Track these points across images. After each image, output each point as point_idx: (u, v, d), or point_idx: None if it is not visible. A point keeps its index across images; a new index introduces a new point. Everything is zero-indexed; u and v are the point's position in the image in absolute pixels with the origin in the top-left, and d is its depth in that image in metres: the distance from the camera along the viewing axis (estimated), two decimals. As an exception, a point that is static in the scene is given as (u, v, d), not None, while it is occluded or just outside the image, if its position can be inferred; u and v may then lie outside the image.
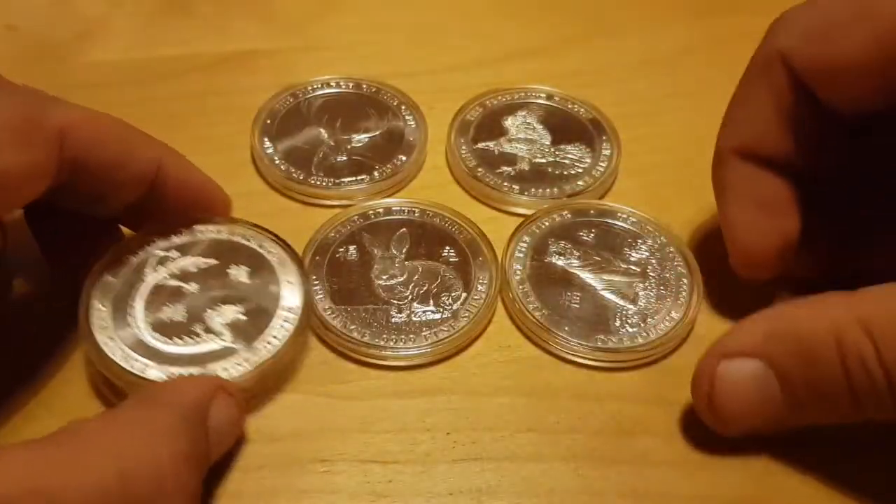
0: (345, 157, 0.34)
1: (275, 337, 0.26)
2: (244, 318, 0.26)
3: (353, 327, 0.27)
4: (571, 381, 0.27)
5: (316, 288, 0.28)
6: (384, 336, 0.27)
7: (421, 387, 0.27)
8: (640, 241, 0.31)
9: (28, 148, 0.22)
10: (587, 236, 0.31)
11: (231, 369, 0.25)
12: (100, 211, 0.26)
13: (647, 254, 0.30)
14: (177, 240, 0.28)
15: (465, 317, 0.28)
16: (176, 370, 0.25)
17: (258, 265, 0.28)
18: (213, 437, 0.23)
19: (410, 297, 0.29)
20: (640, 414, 0.26)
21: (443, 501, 0.24)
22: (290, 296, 0.27)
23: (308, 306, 0.27)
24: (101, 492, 0.18)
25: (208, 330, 0.26)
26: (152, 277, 0.27)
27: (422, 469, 0.25)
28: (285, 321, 0.26)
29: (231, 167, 0.33)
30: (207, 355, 0.25)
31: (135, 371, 0.25)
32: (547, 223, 0.31)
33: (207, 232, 0.28)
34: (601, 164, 0.34)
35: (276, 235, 0.28)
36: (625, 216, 0.31)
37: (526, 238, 0.30)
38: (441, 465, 0.25)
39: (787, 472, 0.25)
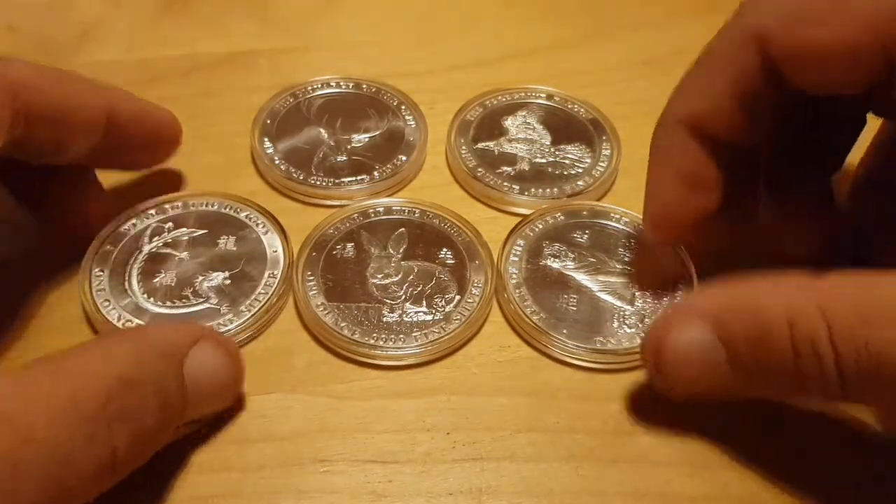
0: (345, 157, 0.34)
1: (257, 300, 0.28)
2: (229, 282, 0.28)
3: (343, 324, 0.27)
4: (571, 381, 0.27)
5: (310, 284, 0.29)
6: (374, 335, 0.27)
7: (421, 387, 0.27)
8: (633, 241, 0.31)
9: None
10: (581, 238, 0.31)
11: (217, 328, 0.27)
12: (64, 158, 0.27)
13: (642, 253, 0.30)
14: (171, 212, 0.30)
15: (458, 319, 0.28)
16: None
17: (245, 235, 0.30)
18: (192, 381, 0.23)
19: (404, 297, 0.29)
20: (640, 414, 0.26)
21: (443, 501, 0.24)
22: (274, 263, 0.29)
23: (289, 270, 0.29)
24: (55, 412, 0.19)
25: (196, 293, 0.28)
26: (147, 247, 0.29)
27: (422, 469, 0.25)
28: (267, 285, 0.28)
29: (231, 167, 0.33)
30: (194, 314, 0.28)
31: None
32: (540, 226, 0.31)
33: (199, 205, 0.31)
34: (601, 164, 0.34)
35: (262, 208, 0.31)
36: (618, 217, 0.31)
37: (520, 241, 0.30)
38: (441, 465, 0.25)
39: (788, 472, 0.25)
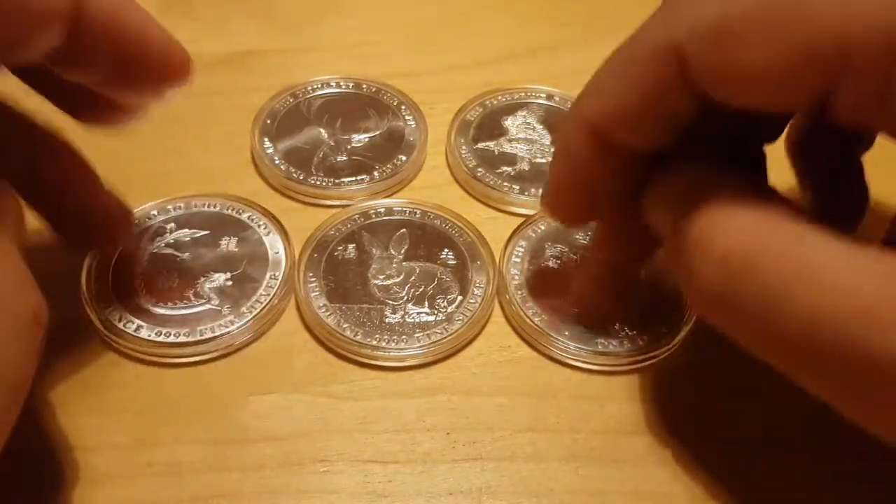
0: (345, 157, 0.34)
1: (259, 301, 0.28)
2: (231, 284, 0.28)
3: (345, 326, 0.27)
4: (571, 382, 0.27)
5: (312, 285, 0.29)
6: (376, 336, 0.27)
7: (421, 387, 0.27)
8: None
9: None
10: (583, 239, 0.31)
11: (218, 329, 0.27)
12: (18, 58, 0.22)
13: None
14: (173, 212, 0.30)
15: (460, 320, 0.28)
16: (165, 330, 0.27)
17: (247, 236, 0.30)
18: None
19: (406, 298, 0.29)
20: (640, 414, 0.26)
21: (443, 501, 0.24)
22: (276, 264, 0.29)
23: (291, 271, 0.29)
24: None
25: (198, 295, 0.28)
26: (149, 247, 0.29)
27: (422, 469, 0.25)
28: (269, 287, 0.28)
29: (231, 167, 0.33)
30: (195, 315, 0.27)
31: (128, 331, 0.27)
32: (542, 226, 0.31)
33: (201, 205, 0.31)
34: (601, 164, 0.34)
35: (265, 209, 0.31)
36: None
37: (522, 242, 0.30)
38: (441, 465, 0.25)
39: (787, 472, 0.25)
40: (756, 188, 0.22)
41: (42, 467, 0.24)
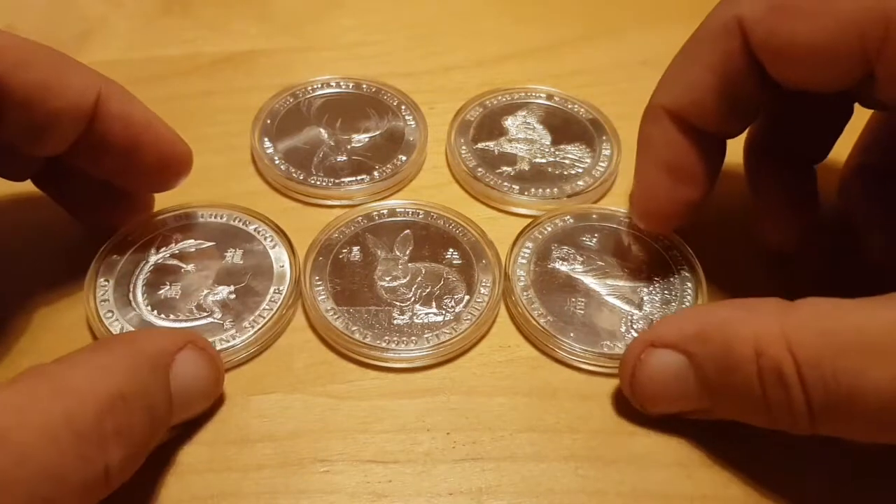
0: (345, 157, 0.34)
1: (261, 316, 0.27)
2: (234, 297, 0.28)
3: (354, 328, 0.27)
4: (571, 382, 0.27)
5: (319, 289, 0.28)
6: (385, 338, 0.27)
7: (421, 387, 0.27)
8: (640, 243, 0.30)
9: None
10: (590, 241, 0.31)
11: (218, 343, 0.26)
12: (40, 148, 0.25)
13: (650, 257, 0.30)
14: (179, 223, 0.30)
15: (468, 319, 0.28)
16: None
17: (252, 249, 0.29)
18: (177, 389, 0.23)
19: (413, 298, 0.29)
20: (640, 414, 0.26)
21: (443, 501, 0.24)
22: (280, 278, 0.29)
23: (295, 287, 0.28)
24: (50, 430, 0.19)
25: (200, 307, 0.28)
26: (154, 257, 0.29)
27: (422, 469, 0.25)
28: (272, 301, 0.28)
29: (231, 167, 0.33)
30: (197, 329, 0.27)
31: None
32: (549, 228, 0.31)
33: (208, 216, 0.30)
34: (601, 164, 0.34)
35: (272, 222, 0.30)
36: (626, 220, 0.31)
37: (529, 244, 0.30)
38: (441, 465, 0.25)
39: (788, 472, 0.25)
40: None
41: None
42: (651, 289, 0.29)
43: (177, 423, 0.24)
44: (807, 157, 0.31)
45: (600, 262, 0.30)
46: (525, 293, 0.29)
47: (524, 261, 0.30)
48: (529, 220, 0.31)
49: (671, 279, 0.29)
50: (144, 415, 0.21)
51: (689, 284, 0.29)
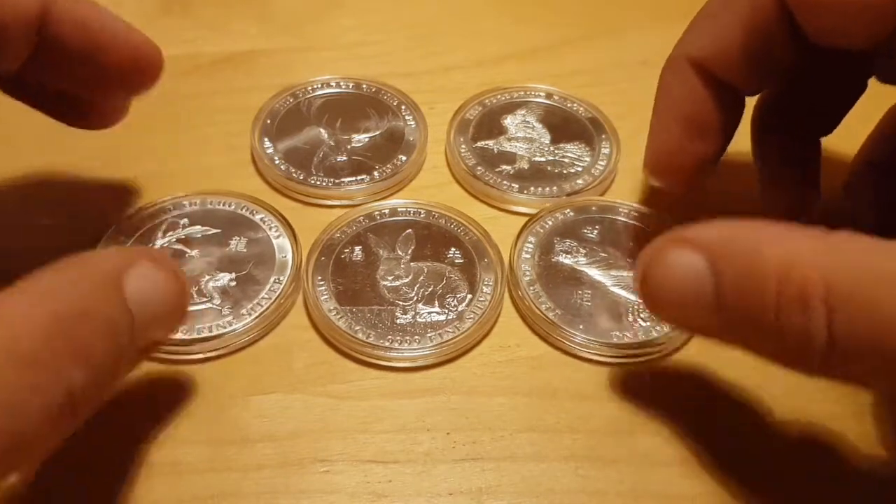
0: (345, 157, 0.34)
1: (259, 304, 0.28)
2: (235, 284, 0.28)
3: (357, 328, 0.27)
4: (571, 381, 0.27)
5: (321, 288, 0.28)
6: (389, 337, 0.27)
7: (421, 387, 0.27)
8: (643, 235, 0.30)
9: None
10: (591, 233, 0.31)
11: (215, 329, 0.27)
12: None
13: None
14: (188, 208, 0.30)
15: (471, 318, 0.28)
16: None
17: (256, 237, 0.30)
18: (136, 304, 0.21)
19: (416, 298, 0.29)
20: (640, 414, 0.26)
21: (443, 501, 0.24)
22: (281, 268, 0.29)
23: (295, 277, 0.29)
24: None
25: (201, 293, 0.28)
26: (160, 241, 0.29)
27: (422, 469, 0.25)
28: (272, 290, 0.28)
29: (231, 167, 0.33)
30: (195, 313, 0.27)
31: None
32: (550, 222, 0.31)
33: (216, 203, 0.31)
34: (600, 162, 0.34)
35: (277, 212, 0.31)
36: (626, 211, 0.31)
37: (531, 238, 0.30)
38: (441, 465, 0.25)
39: (789, 472, 0.25)
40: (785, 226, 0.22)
41: (40, 466, 0.24)
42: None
43: (146, 342, 0.23)
44: (814, 129, 0.30)
45: (603, 254, 0.30)
46: (531, 287, 0.29)
47: (528, 255, 0.30)
48: (530, 216, 0.31)
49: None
50: (103, 333, 0.20)
51: None
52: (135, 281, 0.21)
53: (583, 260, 0.30)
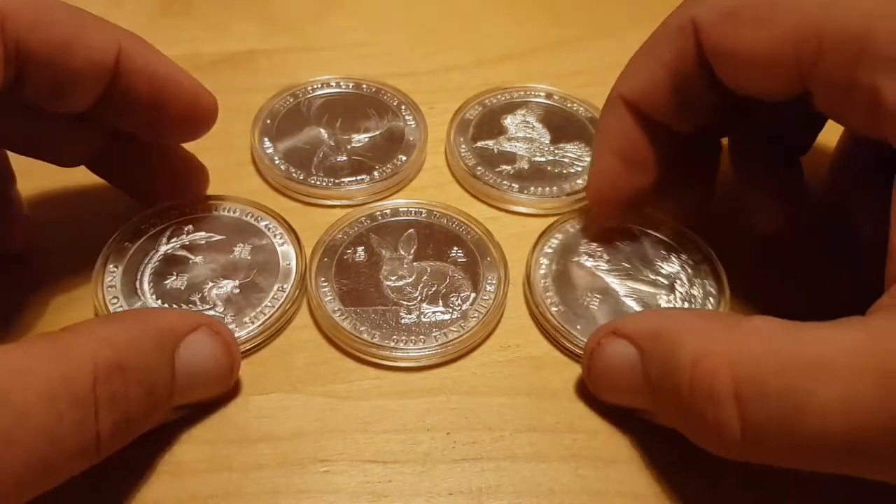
0: (345, 157, 0.34)
1: (262, 313, 0.27)
2: (238, 292, 0.28)
3: (362, 328, 0.27)
4: (571, 381, 0.27)
5: (325, 289, 0.28)
6: (394, 337, 0.27)
7: (421, 387, 0.27)
8: (674, 254, 0.30)
9: None
10: (623, 244, 0.30)
11: None
12: (65, 106, 0.25)
13: (679, 268, 0.30)
14: (192, 214, 0.30)
15: (475, 317, 0.28)
16: None
17: (261, 245, 0.29)
18: (183, 369, 0.23)
19: (420, 297, 0.29)
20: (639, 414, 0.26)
21: (443, 501, 0.24)
22: (285, 276, 0.29)
23: (299, 286, 0.28)
24: (49, 393, 0.19)
25: (204, 300, 0.28)
26: (164, 247, 0.29)
27: (422, 469, 0.25)
28: (275, 299, 0.28)
29: (231, 167, 0.33)
30: None
31: None
32: (572, 228, 0.31)
33: (221, 210, 0.30)
34: (601, 163, 0.34)
35: (282, 219, 0.30)
36: (667, 229, 0.31)
37: (558, 235, 0.31)
38: (441, 465, 0.25)
39: (789, 472, 0.25)
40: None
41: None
42: (671, 297, 0.29)
43: (183, 403, 0.24)
44: (789, 149, 0.31)
45: (626, 265, 0.30)
46: (543, 281, 0.29)
47: (550, 250, 0.30)
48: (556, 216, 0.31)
49: (693, 292, 0.29)
50: (141, 388, 0.21)
51: (712, 300, 0.29)
52: (190, 348, 0.23)
53: (604, 266, 0.30)
